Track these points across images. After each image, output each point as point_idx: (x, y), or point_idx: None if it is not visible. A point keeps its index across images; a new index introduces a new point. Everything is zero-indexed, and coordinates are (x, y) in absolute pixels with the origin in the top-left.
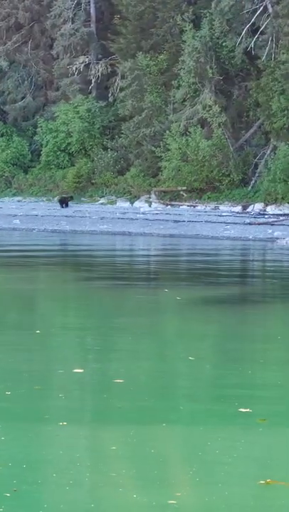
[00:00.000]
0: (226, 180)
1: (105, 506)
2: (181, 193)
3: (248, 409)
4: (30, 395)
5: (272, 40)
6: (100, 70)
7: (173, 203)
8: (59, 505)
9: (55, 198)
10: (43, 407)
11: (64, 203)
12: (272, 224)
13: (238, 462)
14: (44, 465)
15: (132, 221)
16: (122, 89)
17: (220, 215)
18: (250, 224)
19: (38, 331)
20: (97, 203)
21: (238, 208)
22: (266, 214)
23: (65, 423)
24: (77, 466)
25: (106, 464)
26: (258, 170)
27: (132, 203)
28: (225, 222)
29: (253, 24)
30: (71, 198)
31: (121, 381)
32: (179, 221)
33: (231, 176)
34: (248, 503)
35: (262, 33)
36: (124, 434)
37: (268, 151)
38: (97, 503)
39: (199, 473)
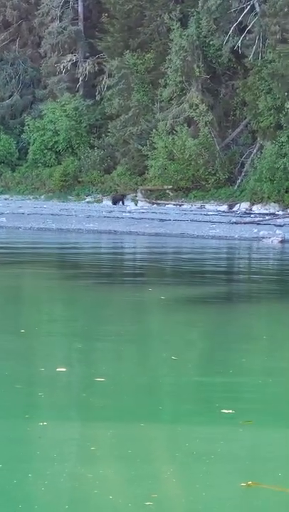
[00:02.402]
0: (212, 179)
1: (80, 508)
2: (167, 191)
3: (230, 411)
4: (11, 394)
5: (259, 39)
6: (88, 68)
7: (159, 201)
8: (33, 506)
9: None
10: (24, 406)
11: (119, 200)
12: (257, 223)
13: (218, 463)
14: (21, 465)
15: (118, 220)
16: (109, 88)
17: (206, 214)
18: (235, 223)
19: (22, 330)
20: (83, 201)
21: (224, 207)
22: (252, 213)
23: (45, 423)
24: (55, 466)
25: (83, 465)
26: (244, 169)
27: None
28: (211, 221)
29: (240, 23)
30: (123, 197)
31: (102, 380)
32: (165, 220)
33: (217, 175)
34: (226, 505)
35: (249, 31)
36: (102, 434)
37: (255, 150)
38: (71, 505)
39: (177, 475)
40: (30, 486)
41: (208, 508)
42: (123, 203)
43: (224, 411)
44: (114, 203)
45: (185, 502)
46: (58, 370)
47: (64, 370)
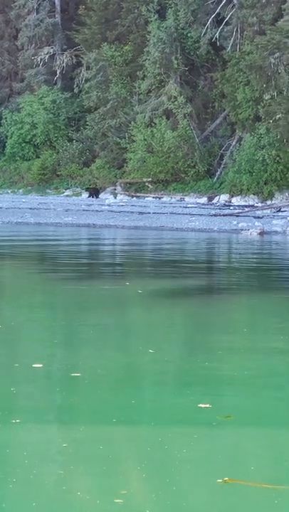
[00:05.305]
0: (192, 172)
1: (48, 505)
2: (147, 184)
3: (207, 405)
4: None
5: (237, 30)
6: (65, 60)
7: (138, 194)
8: (1, 503)
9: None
10: None
11: (94, 194)
12: (237, 215)
13: (192, 459)
14: None
15: (97, 213)
16: (87, 80)
17: (185, 207)
18: (215, 215)
19: None
20: (62, 194)
21: (204, 200)
22: (231, 205)
23: (18, 420)
24: (25, 463)
25: (54, 462)
26: (224, 161)
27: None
28: (190, 214)
29: (218, 15)
30: (96, 190)
31: (78, 375)
32: (144, 213)
33: (197, 167)
34: (199, 500)
35: (227, 23)
36: (75, 431)
37: (234, 142)
38: (39, 502)
39: (147, 471)
40: None
41: (179, 503)
42: (97, 196)
43: (201, 405)
44: (91, 195)
45: (155, 498)
46: (33, 366)
47: (40, 366)
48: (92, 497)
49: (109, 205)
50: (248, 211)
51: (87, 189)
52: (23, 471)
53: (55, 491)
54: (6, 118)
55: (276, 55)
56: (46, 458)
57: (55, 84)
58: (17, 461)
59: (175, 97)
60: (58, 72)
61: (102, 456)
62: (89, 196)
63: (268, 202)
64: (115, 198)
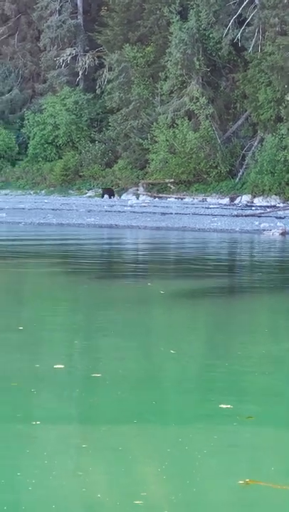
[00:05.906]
0: (214, 172)
1: (67, 507)
2: (169, 185)
3: (228, 406)
4: (5, 393)
5: (258, 31)
6: (87, 62)
7: (160, 195)
8: (20, 505)
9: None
10: (17, 404)
11: (109, 193)
12: (259, 216)
13: (212, 460)
14: (9, 464)
15: (120, 214)
16: (109, 82)
17: (207, 207)
18: (237, 216)
19: (20, 327)
20: (84, 195)
21: (226, 200)
22: (253, 206)
23: (38, 422)
24: (45, 464)
25: (74, 463)
26: (246, 162)
27: (119, 195)
28: (212, 215)
29: (240, 15)
30: (111, 190)
31: (98, 375)
32: (167, 213)
33: (219, 168)
34: (220, 502)
35: (248, 24)
36: (95, 431)
37: (255, 143)
38: (58, 504)
39: (168, 472)
40: (17, 485)
41: (200, 505)
42: (113, 196)
43: (222, 406)
44: (109, 196)
45: (175, 500)
46: (54, 366)
47: (61, 366)
48: (111, 498)
49: (131, 206)
50: (270, 212)
51: (102, 189)
52: (42, 471)
53: (74, 493)
54: (28, 119)
55: None
56: (66, 459)
57: (78, 85)
58: (36, 463)
59: (197, 98)
60: (80, 74)
61: (122, 457)
62: (103, 196)
63: None
64: (137, 198)
